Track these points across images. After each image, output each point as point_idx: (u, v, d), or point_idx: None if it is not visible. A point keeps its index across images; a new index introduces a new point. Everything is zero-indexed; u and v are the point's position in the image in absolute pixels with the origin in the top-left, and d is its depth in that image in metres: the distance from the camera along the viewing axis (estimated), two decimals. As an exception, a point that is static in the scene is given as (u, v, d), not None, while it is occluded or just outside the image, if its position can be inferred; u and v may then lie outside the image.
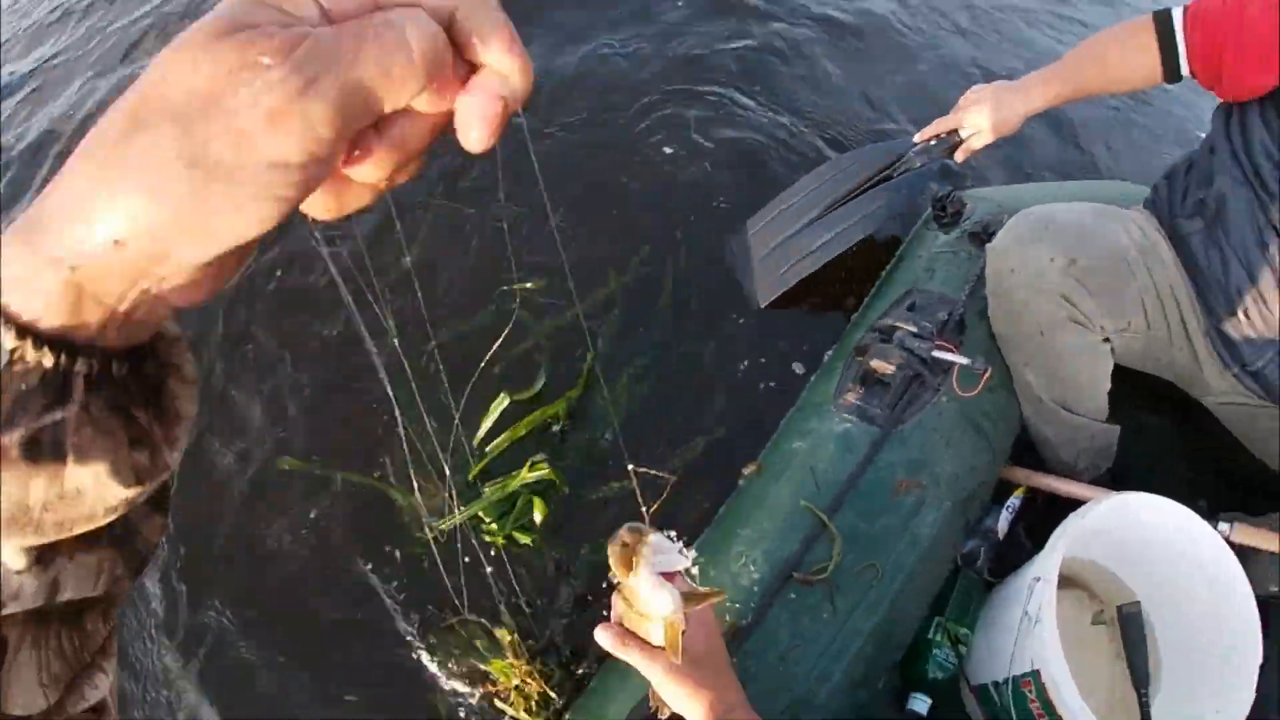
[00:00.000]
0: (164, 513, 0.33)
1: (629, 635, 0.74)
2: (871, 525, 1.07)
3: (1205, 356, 1.34)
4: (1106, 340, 1.26)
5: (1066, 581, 1.39)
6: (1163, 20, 1.23)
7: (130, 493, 0.27)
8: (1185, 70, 1.23)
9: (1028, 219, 1.21)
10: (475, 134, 0.29)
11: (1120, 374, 1.39)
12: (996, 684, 1.18)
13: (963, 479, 1.16)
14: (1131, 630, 1.01)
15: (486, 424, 1.44)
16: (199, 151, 0.23)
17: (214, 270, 0.27)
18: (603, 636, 0.75)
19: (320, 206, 0.30)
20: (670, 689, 0.73)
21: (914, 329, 1.19)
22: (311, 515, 1.44)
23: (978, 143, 1.39)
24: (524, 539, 1.36)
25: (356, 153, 0.28)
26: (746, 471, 1.22)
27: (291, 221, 0.28)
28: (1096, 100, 1.34)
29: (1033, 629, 1.05)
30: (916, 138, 1.50)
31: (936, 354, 1.17)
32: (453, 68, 0.28)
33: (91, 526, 0.27)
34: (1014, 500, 1.38)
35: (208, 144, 0.23)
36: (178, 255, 0.25)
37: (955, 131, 1.40)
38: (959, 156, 1.42)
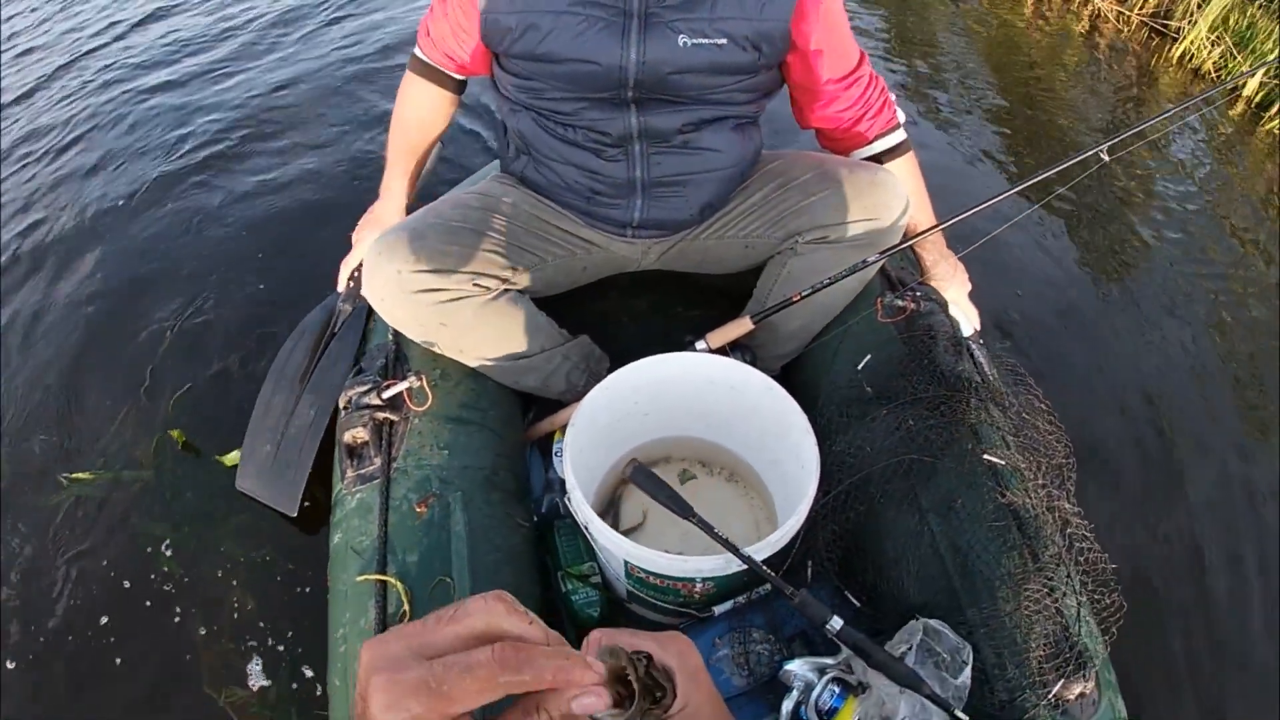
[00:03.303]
0: None
1: None
2: (419, 553, 1.14)
3: (608, 242, 1.50)
4: (505, 291, 1.37)
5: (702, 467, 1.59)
6: (419, 64, 1.48)
7: None
8: (460, 76, 1.48)
9: (369, 253, 1.31)
10: None
11: (584, 290, 1.60)
12: (628, 586, 1.33)
13: (475, 465, 1.27)
14: (643, 481, 1.07)
15: None
16: None
17: None
18: None
19: None
20: None
21: (365, 388, 1.29)
22: None
23: None
24: None
25: None
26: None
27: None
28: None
29: (592, 527, 1.16)
30: (339, 287, 1.64)
31: (387, 394, 1.27)
32: None
33: None
34: (559, 445, 1.53)
35: None
36: None
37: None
38: None
